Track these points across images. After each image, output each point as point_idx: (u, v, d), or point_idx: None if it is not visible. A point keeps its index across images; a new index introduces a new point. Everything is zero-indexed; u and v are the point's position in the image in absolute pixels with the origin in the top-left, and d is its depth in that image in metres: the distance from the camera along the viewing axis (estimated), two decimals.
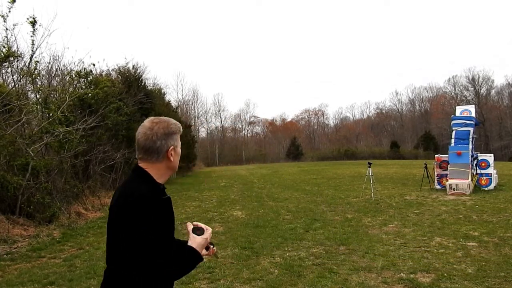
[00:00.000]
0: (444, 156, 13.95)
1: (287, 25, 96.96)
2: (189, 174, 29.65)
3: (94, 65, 12.69)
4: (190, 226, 1.70)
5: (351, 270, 4.92)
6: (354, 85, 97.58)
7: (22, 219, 8.07)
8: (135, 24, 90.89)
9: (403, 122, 65.61)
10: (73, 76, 11.90)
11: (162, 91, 28.13)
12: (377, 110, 71.71)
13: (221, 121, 66.12)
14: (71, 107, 11.06)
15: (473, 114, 13.81)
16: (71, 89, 11.81)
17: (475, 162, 13.28)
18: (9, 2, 8.24)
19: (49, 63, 11.92)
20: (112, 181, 14.17)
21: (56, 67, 12.33)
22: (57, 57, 12.88)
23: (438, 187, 13.49)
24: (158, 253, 1.46)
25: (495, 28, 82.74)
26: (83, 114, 10.88)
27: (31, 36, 9.19)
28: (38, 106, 10.11)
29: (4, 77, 10.64)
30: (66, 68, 12.64)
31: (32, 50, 9.49)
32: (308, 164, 41.03)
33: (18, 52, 9.40)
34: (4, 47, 8.56)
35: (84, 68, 12.03)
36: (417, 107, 66.48)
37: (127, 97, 15.66)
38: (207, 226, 1.74)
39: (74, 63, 14.92)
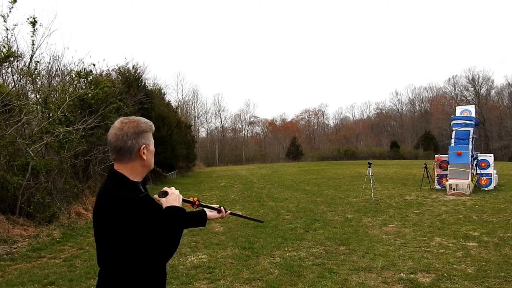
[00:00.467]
0: (444, 156, 13.96)
1: (287, 25, 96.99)
2: (189, 174, 29.66)
3: (94, 65, 12.68)
4: (155, 196, 1.72)
5: (351, 270, 4.91)
6: (354, 85, 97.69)
7: (22, 219, 8.07)
8: (135, 24, 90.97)
9: (403, 122, 65.62)
10: (73, 76, 11.89)
11: (162, 91, 28.15)
12: (377, 110, 71.81)
13: (221, 121, 66.20)
14: (71, 107, 11.04)
15: (473, 114, 13.81)
16: (71, 89, 11.80)
17: (475, 162, 13.28)
18: (9, 2, 8.25)
19: (49, 63, 11.91)
20: None
21: (56, 67, 12.33)
22: (57, 57, 12.87)
23: (438, 187, 13.49)
24: (151, 245, 1.49)
25: (495, 28, 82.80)
26: (83, 114, 10.87)
27: (31, 36, 9.20)
28: (38, 106, 10.11)
29: (4, 77, 10.64)
30: (66, 68, 12.64)
31: (32, 50, 9.50)
32: (308, 164, 41.03)
33: (18, 52, 9.41)
34: (4, 47, 8.56)
35: (84, 68, 12.02)
36: (417, 107, 66.55)
37: (127, 97, 15.67)
38: (170, 188, 1.74)
39: (74, 63, 14.95)
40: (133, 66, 20.04)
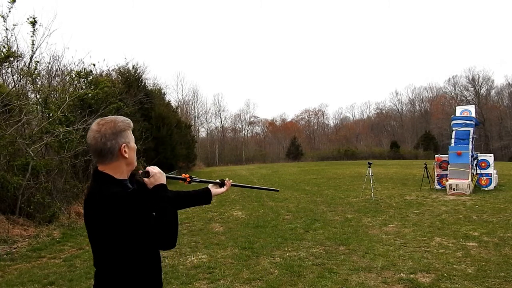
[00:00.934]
0: (444, 156, 13.95)
1: (287, 25, 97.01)
2: None
3: (94, 65, 12.68)
4: (138, 176, 1.74)
5: (351, 270, 4.92)
6: (354, 85, 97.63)
7: (22, 219, 8.07)
8: (135, 24, 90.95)
9: (403, 122, 65.61)
10: (73, 76, 11.88)
11: (162, 91, 28.17)
12: (377, 110, 71.75)
13: (221, 121, 66.15)
14: (71, 107, 11.04)
15: (473, 114, 13.81)
16: (71, 89, 11.80)
17: (475, 162, 13.29)
18: (9, 2, 8.25)
19: (49, 63, 11.92)
20: None
21: (56, 67, 12.34)
22: (57, 57, 12.88)
23: (438, 187, 13.49)
24: (150, 233, 1.50)
25: (495, 28, 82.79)
26: (83, 114, 10.87)
27: (31, 36, 9.20)
28: (38, 106, 10.11)
29: (4, 77, 10.65)
30: (66, 68, 12.65)
31: (32, 50, 9.50)
32: (308, 164, 41.03)
33: (18, 52, 9.41)
34: (4, 47, 8.56)
35: (84, 68, 12.03)
36: (417, 107, 66.51)
37: (127, 97, 15.67)
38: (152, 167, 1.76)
39: (74, 63, 14.93)
40: (133, 66, 20.08)
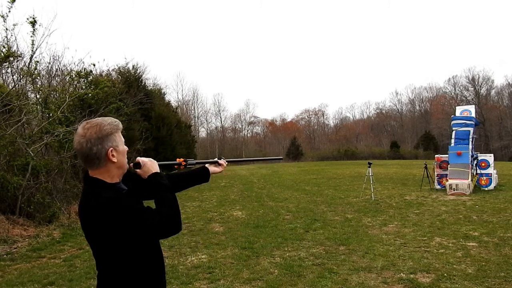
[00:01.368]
0: (444, 156, 13.95)
1: (287, 25, 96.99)
2: None
3: (94, 65, 12.67)
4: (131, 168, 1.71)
5: (351, 270, 4.92)
6: (354, 85, 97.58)
7: (22, 219, 8.07)
8: (135, 24, 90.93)
9: (403, 122, 65.59)
10: (73, 76, 11.88)
11: (162, 91, 28.13)
12: (377, 110, 71.72)
13: (221, 121, 66.10)
14: (71, 107, 11.04)
15: (473, 114, 13.81)
16: (71, 89, 11.80)
17: (475, 162, 13.28)
18: (8, 1, 8.25)
19: (49, 63, 11.92)
20: None
21: (56, 67, 12.34)
22: (57, 57, 12.87)
23: (438, 187, 13.49)
24: (149, 227, 1.49)
25: (495, 28, 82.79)
26: (83, 114, 10.86)
27: (31, 36, 9.19)
28: (38, 106, 10.11)
29: (4, 77, 10.65)
30: (66, 68, 12.64)
31: (32, 50, 9.49)
32: (308, 164, 41.02)
33: (18, 52, 9.41)
34: (4, 47, 8.56)
35: (84, 68, 12.02)
36: (417, 107, 66.48)
37: (127, 97, 15.65)
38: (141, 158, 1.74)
39: (74, 63, 14.89)
40: (133, 66, 20.04)
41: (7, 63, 9.16)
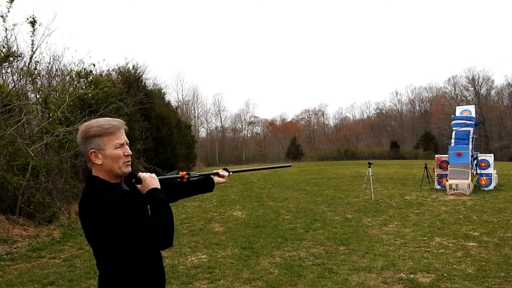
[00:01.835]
0: (444, 156, 13.95)
1: (287, 25, 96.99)
2: None
3: (94, 65, 12.66)
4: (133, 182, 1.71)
5: (351, 270, 4.92)
6: (354, 85, 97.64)
7: (22, 219, 8.07)
8: (135, 24, 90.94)
9: (403, 122, 65.59)
10: (73, 76, 11.88)
11: (162, 91, 28.09)
12: (377, 110, 71.73)
13: (221, 121, 66.10)
14: (71, 107, 11.04)
15: (473, 114, 13.81)
16: (71, 89, 11.79)
17: (475, 162, 13.28)
18: (7, 1, 8.25)
19: (49, 63, 11.91)
20: None
21: (56, 67, 12.33)
22: (57, 57, 12.86)
23: (438, 187, 13.49)
24: (143, 234, 1.49)
25: (495, 28, 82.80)
26: (83, 114, 10.86)
27: (31, 36, 9.19)
28: (38, 106, 10.11)
29: (4, 77, 10.64)
30: (66, 68, 12.64)
31: (32, 50, 9.49)
32: (308, 164, 41.01)
33: (18, 52, 9.40)
34: (4, 47, 8.56)
35: (84, 68, 12.01)
36: (417, 107, 66.49)
37: (127, 97, 15.64)
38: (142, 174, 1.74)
39: (74, 63, 14.87)
40: (133, 66, 20.00)
41: (7, 63, 9.16)
